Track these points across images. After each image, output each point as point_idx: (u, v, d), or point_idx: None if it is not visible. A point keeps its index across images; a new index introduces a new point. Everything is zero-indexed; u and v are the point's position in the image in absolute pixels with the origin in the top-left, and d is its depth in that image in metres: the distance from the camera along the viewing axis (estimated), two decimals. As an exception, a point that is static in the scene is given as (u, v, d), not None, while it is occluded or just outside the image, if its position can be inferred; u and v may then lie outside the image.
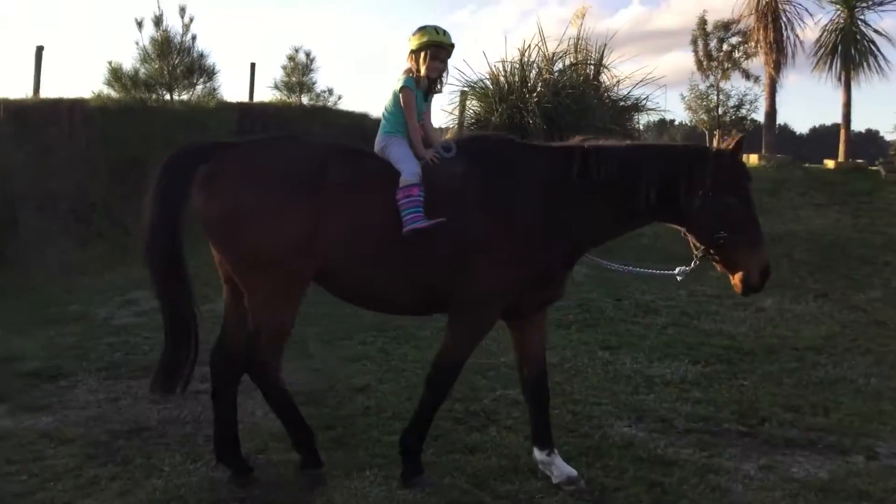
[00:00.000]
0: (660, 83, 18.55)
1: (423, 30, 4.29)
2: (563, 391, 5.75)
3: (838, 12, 18.23)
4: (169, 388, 4.18)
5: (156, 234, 4.00)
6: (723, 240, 3.96)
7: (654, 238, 10.11)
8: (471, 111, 15.14)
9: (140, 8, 34.14)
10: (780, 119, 19.97)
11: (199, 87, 13.96)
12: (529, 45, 14.81)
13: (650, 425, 5.18)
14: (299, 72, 15.54)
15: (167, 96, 13.65)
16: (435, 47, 4.26)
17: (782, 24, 18.83)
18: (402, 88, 4.25)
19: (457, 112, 16.22)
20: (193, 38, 13.96)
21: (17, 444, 4.64)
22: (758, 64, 22.00)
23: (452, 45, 4.35)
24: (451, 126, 17.18)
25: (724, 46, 28.40)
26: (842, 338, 7.63)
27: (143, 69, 13.58)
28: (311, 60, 15.78)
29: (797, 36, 19.06)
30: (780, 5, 18.82)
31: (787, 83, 22.98)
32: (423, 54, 4.26)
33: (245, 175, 3.99)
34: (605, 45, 15.40)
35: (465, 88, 16.21)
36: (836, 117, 25.07)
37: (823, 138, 33.72)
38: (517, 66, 14.57)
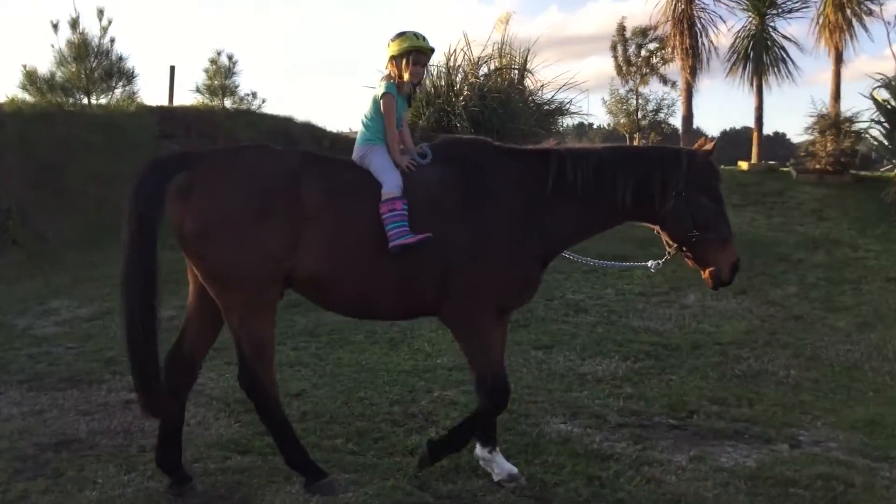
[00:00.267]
0: (582, 88, 18.96)
1: (403, 35, 4.27)
2: (499, 390, 5.81)
3: (750, 19, 18.94)
4: (156, 409, 4.01)
5: (133, 254, 3.88)
6: (695, 238, 4.11)
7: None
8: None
9: (55, 10, 32.96)
10: (696, 122, 20.70)
11: (118, 91, 13.63)
12: (455, 50, 14.94)
13: (585, 421, 5.29)
14: (222, 75, 15.30)
15: (85, 100, 13.25)
16: (416, 52, 4.25)
17: (697, 31, 19.47)
18: (383, 94, 4.22)
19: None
20: (112, 40, 13.64)
21: (-63, 461, 4.44)
22: (675, 69, 22.63)
23: (432, 50, 4.36)
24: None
25: (643, 52, 29.18)
26: (762, 332, 7.93)
27: (59, 73, 13.21)
28: (234, 64, 15.58)
29: (711, 42, 19.73)
30: (694, 12, 19.46)
31: (703, 87, 23.73)
32: (404, 60, 4.24)
33: (221, 189, 3.91)
34: (529, 49, 15.66)
35: (392, 92, 16.23)
36: (747, 120, 26.03)
37: (734, 140, 34.89)
38: (444, 70, 14.66)
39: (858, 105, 33.00)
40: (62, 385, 5.86)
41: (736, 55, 19.01)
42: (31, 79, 12.86)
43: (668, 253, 4.31)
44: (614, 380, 6.23)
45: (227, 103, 15.37)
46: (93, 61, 13.22)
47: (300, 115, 19.96)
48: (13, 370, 6.27)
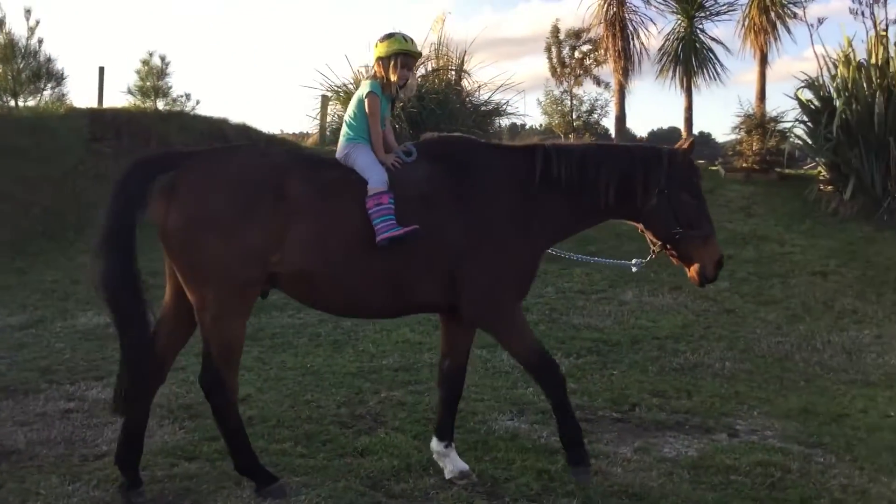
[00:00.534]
0: (518, 88, 19.15)
1: (391, 37, 4.28)
2: (446, 389, 5.85)
3: (679, 22, 19.44)
4: (128, 410, 3.99)
5: (111, 250, 3.85)
6: (678, 235, 4.18)
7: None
8: (336, 116, 15.08)
9: (-22, 10, 31.73)
10: (627, 122, 21.14)
11: (47, 93, 13.26)
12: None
13: (531, 417, 5.38)
14: (154, 76, 14.99)
15: (12, 102, 12.83)
16: (404, 55, 4.27)
17: (629, 34, 19.85)
18: (368, 94, 4.22)
19: (318, 116, 16.13)
20: (40, 41, 13.29)
21: None
22: (608, 71, 23.04)
23: (420, 54, 4.39)
24: (314, 131, 17.06)
25: (576, 54, 29.63)
26: (697, 326, 8.18)
27: (-16, 74, 12.73)
28: (167, 65, 15.32)
29: (642, 44, 20.16)
30: (626, 15, 19.86)
31: (635, 89, 24.20)
32: (392, 62, 4.25)
33: (205, 185, 3.89)
34: (466, 51, 15.76)
35: (328, 93, 16.15)
36: (677, 121, 26.70)
37: (661, 140, 35.64)
38: (380, 71, 14.64)
39: (783, 105, 34.10)
40: (-4, 396, 5.67)
41: (666, 57, 19.48)
42: (-46, 80, 12.42)
43: (653, 251, 4.37)
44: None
45: (160, 105, 15.08)
46: (20, 62, 12.82)
47: (235, 117, 19.72)
48: (-58, 382, 6.04)
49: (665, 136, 37.01)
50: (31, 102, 13.04)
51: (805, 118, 14.23)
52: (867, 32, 13.37)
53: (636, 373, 6.53)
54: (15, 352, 6.94)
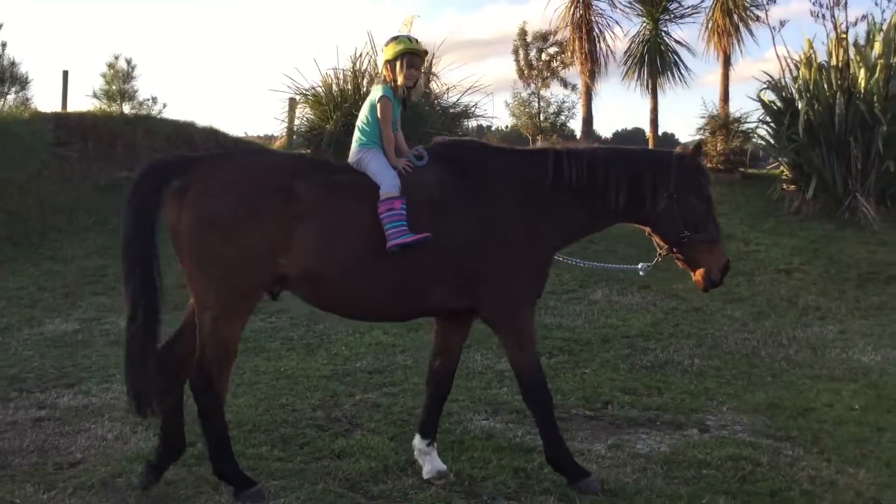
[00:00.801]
0: (486, 91, 19.22)
1: (396, 39, 4.31)
2: (421, 391, 5.81)
3: (644, 24, 19.69)
4: (142, 409, 4.00)
5: (130, 251, 3.93)
6: (686, 239, 4.20)
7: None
8: (304, 119, 15.03)
9: (-59, 13, 31.26)
10: (594, 124, 21.32)
11: (11, 97, 13.05)
12: (361, 53, 14.93)
13: (506, 416, 5.43)
14: (120, 80, 14.83)
15: (-24, 107, 12.64)
16: (410, 55, 4.28)
17: (595, 36, 20.08)
18: (380, 98, 4.23)
19: (286, 119, 16.05)
20: (3, 45, 13.07)
21: None
22: (574, 73, 23.24)
23: (426, 52, 4.39)
24: (282, 134, 16.96)
25: (543, 56, 29.86)
26: (666, 324, 8.30)
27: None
28: (133, 68, 15.15)
29: (609, 47, 20.40)
30: (592, 18, 20.07)
31: (601, 90, 24.42)
32: (398, 63, 4.26)
33: (216, 188, 3.93)
34: (434, 54, 15.78)
35: (296, 96, 16.08)
36: (642, 122, 26.98)
37: (626, 141, 36.09)
38: (350, 73, 14.63)
39: (746, 106, 34.64)
40: (-36, 405, 5.58)
41: (631, 59, 19.73)
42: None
43: (659, 255, 4.40)
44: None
45: (126, 108, 14.91)
46: (-17, 66, 12.64)
47: (202, 120, 19.53)
48: None
49: (629, 137, 37.39)
50: (-7, 106, 12.86)
51: (768, 119, 14.49)
52: (828, 35, 13.70)
53: (608, 371, 6.62)
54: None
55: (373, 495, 4.12)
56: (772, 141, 14.37)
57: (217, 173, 4.05)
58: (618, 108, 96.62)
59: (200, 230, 3.88)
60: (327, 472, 4.36)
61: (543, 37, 28.43)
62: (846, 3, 13.42)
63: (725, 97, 18.98)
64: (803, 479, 4.44)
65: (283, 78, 19.25)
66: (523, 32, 29.89)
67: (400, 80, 4.28)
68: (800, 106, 13.40)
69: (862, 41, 13.64)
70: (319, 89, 14.89)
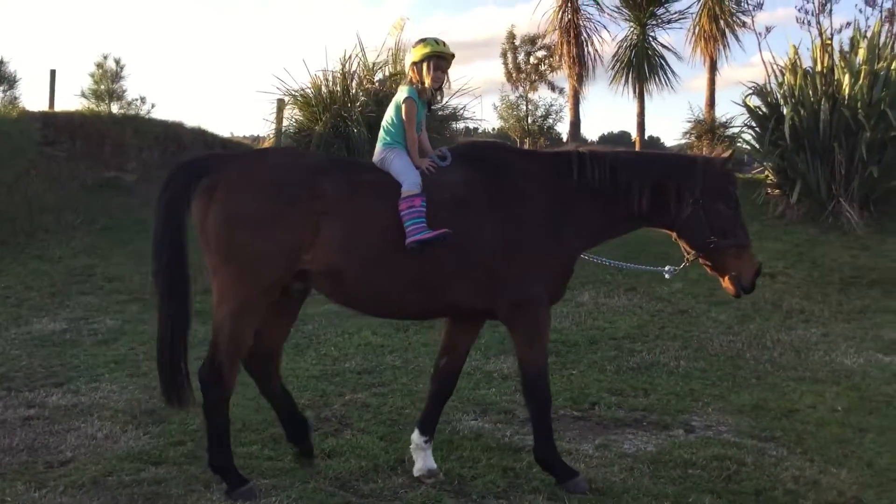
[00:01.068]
0: (474, 93, 19.26)
1: (424, 41, 4.34)
2: (410, 391, 5.94)
3: (632, 29, 19.86)
4: (183, 400, 4.15)
5: (161, 248, 4.04)
6: (713, 244, 4.20)
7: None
8: (293, 120, 15.02)
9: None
10: (582, 128, 21.46)
11: (-1, 96, 12.97)
12: (350, 56, 14.94)
13: (495, 417, 5.48)
14: (108, 79, 14.79)
15: (-37, 105, 12.57)
16: (437, 58, 4.31)
17: (583, 40, 20.21)
18: (405, 99, 4.27)
19: (275, 120, 16.02)
20: (-9, 44, 12.97)
21: None
22: (562, 76, 23.38)
23: (453, 55, 4.42)
24: (270, 135, 16.94)
25: (532, 60, 29.98)
26: (652, 326, 8.37)
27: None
28: (122, 68, 15.11)
29: (596, 51, 20.55)
30: (580, 22, 20.19)
31: (589, 94, 24.56)
32: (425, 65, 4.30)
33: (243, 185, 4.01)
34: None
35: (284, 97, 16.07)
36: (629, 125, 27.14)
37: (611, 143, 36.38)
38: (339, 75, 14.64)
39: (731, 111, 34.96)
40: (-47, 404, 5.57)
41: (619, 63, 19.88)
42: None
43: (687, 259, 4.40)
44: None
45: (115, 108, 14.88)
46: (-31, 65, 12.56)
47: (190, 120, 19.52)
48: None
49: (615, 140, 37.61)
50: (-19, 105, 12.79)
51: (753, 124, 14.60)
52: (812, 41, 13.79)
53: (595, 372, 6.68)
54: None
55: (363, 494, 4.16)
56: (757, 146, 14.47)
57: (244, 172, 4.12)
58: (605, 112, 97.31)
59: (228, 224, 3.94)
60: (318, 472, 4.40)
61: (532, 40, 28.57)
62: (831, 10, 13.54)
63: (711, 102, 19.16)
64: (787, 478, 4.51)
65: (272, 79, 19.28)
66: (511, 36, 30.05)
67: (427, 82, 4.32)
68: (785, 111, 13.51)
69: (847, 48, 13.78)
70: (308, 91, 14.87)
